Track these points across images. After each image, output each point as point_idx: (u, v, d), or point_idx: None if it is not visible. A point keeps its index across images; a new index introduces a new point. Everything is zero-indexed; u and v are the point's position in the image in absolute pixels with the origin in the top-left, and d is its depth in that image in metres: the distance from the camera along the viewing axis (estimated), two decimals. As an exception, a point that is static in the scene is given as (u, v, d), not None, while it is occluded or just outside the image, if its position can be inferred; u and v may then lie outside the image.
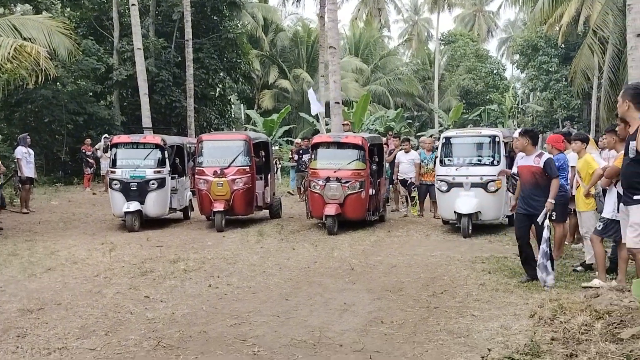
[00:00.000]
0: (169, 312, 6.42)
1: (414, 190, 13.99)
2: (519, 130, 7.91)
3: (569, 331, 5.13)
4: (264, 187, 13.75)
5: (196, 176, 12.78)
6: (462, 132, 12.91)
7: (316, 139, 13.14)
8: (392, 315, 6.19)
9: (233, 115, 35.82)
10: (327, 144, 12.61)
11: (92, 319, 6.20)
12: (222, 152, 12.72)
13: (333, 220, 11.59)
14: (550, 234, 7.26)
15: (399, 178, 14.12)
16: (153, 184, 12.52)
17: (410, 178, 13.80)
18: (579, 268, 8.09)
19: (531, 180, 7.51)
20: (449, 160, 11.74)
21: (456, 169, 11.47)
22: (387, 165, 14.81)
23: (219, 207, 12.16)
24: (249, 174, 12.58)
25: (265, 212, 14.16)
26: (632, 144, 5.57)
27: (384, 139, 17.79)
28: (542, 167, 7.39)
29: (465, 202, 11.13)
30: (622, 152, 6.04)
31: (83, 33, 26.14)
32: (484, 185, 11.15)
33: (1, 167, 13.44)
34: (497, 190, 11.15)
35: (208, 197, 12.38)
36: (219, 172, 12.31)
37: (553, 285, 7.04)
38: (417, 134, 39.16)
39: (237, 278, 8.03)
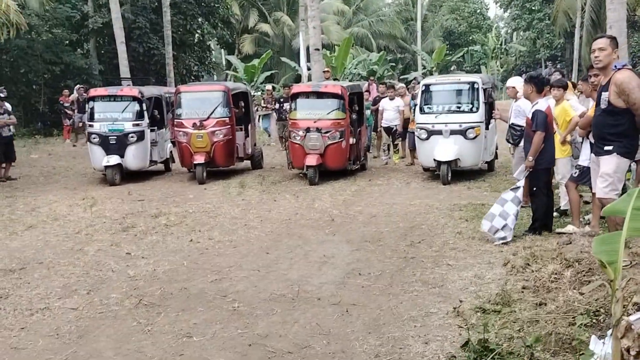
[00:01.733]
0: (150, 269, 6.50)
1: (398, 138, 14.03)
2: (524, 76, 7.57)
3: (540, 280, 5.29)
4: (245, 138, 13.69)
5: (175, 128, 12.69)
6: (441, 79, 12.84)
7: (295, 88, 13.04)
8: (370, 267, 6.31)
9: (213, 61, 35.25)
10: (306, 94, 12.50)
11: (74, 277, 6.27)
12: (200, 103, 12.57)
13: (314, 170, 11.63)
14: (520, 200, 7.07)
15: (383, 126, 14.11)
16: (132, 137, 12.44)
17: (395, 126, 13.80)
18: (554, 214, 8.22)
19: (526, 131, 7.38)
20: (428, 107, 11.70)
21: (435, 117, 11.45)
22: (367, 112, 14.77)
23: (199, 159, 12.13)
24: (229, 125, 12.50)
25: (247, 163, 14.15)
26: (604, 94, 5.57)
27: (366, 85, 17.69)
28: (530, 117, 7.16)
29: (445, 149, 11.17)
30: (596, 102, 6.05)
31: (55, -20, 25.37)
32: (462, 132, 11.17)
33: (13, 119, 13.51)
34: (476, 137, 11.20)
35: (188, 150, 12.32)
36: (198, 124, 12.22)
37: (504, 240, 6.92)
38: (401, 77, 38.91)
39: (218, 232, 8.11)
